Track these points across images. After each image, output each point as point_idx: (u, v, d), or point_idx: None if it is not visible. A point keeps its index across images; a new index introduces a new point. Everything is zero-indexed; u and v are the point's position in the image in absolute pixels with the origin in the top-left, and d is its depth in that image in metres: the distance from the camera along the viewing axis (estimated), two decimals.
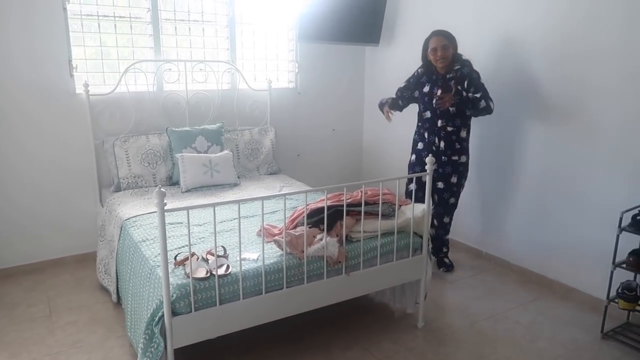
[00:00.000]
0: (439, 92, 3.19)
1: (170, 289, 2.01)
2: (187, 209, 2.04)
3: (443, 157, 3.27)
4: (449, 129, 3.23)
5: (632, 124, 2.77)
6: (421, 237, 2.69)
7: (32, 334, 2.69)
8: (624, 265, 2.61)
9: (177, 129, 3.57)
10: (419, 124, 3.42)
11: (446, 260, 3.58)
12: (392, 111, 3.41)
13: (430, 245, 3.05)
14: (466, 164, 3.34)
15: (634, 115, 2.76)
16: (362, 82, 4.79)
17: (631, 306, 2.59)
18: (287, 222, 2.50)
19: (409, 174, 3.48)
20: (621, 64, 2.79)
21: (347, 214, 2.46)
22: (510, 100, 3.42)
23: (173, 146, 3.51)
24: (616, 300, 2.65)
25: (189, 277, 2.05)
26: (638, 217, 2.59)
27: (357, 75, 4.74)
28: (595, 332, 2.75)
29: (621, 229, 2.60)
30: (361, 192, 2.52)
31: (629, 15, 2.73)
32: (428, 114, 3.29)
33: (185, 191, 3.35)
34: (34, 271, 3.47)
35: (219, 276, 2.11)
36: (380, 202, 2.51)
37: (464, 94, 3.13)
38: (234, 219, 2.75)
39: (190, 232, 2.28)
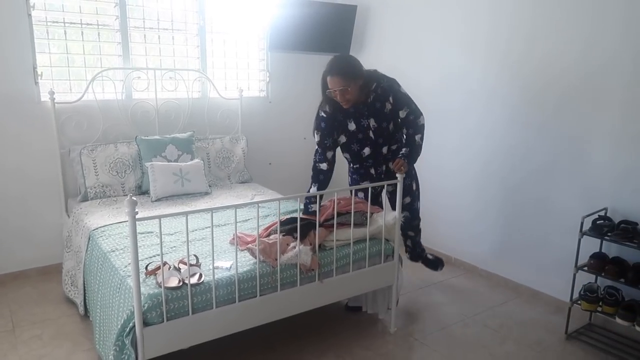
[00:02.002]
0: (385, 147, 2.84)
1: (142, 298, 1.97)
2: (160, 217, 2.02)
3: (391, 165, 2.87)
4: (393, 147, 2.89)
5: (590, 131, 2.90)
6: (393, 243, 2.73)
7: None
8: (586, 268, 2.72)
9: (146, 138, 3.52)
10: (356, 165, 2.95)
11: (430, 256, 3.40)
12: None
13: (412, 252, 3.21)
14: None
15: (591, 122, 2.89)
16: None
17: (593, 307, 2.69)
18: (261, 230, 2.51)
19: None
20: (583, 71, 2.92)
21: (320, 226, 2.48)
22: (476, 106, 3.53)
23: (142, 155, 3.46)
24: (579, 302, 2.74)
25: (160, 286, 2.02)
26: (598, 222, 2.71)
27: None
28: (560, 333, 2.84)
29: (582, 234, 2.71)
30: (333, 200, 2.55)
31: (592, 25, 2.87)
32: (367, 150, 2.85)
33: (156, 200, 3.30)
34: None
35: (192, 285, 2.09)
36: (352, 211, 2.55)
37: (405, 148, 2.76)
38: (206, 227, 2.73)
39: (162, 241, 2.25)
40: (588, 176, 2.93)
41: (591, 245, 2.76)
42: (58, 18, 3.38)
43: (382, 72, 2.80)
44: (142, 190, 3.45)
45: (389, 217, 2.70)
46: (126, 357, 1.96)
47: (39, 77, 3.33)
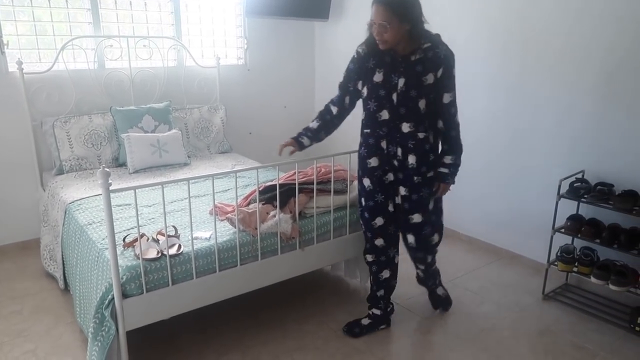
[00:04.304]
0: (407, 124, 2.24)
1: (120, 270, 1.95)
2: (134, 188, 1.98)
3: (415, 178, 2.30)
4: (420, 135, 2.26)
5: (569, 95, 2.90)
6: None
7: None
8: (563, 230, 2.76)
9: (121, 109, 3.43)
10: (368, 130, 2.36)
11: (439, 292, 2.75)
12: (291, 147, 2.41)
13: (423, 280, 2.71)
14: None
15: (570, 86, 2.88)
16: (313, 58, 4.75)
17: (569, 268, 2.75)
18: (240, 200, 2.49)
19: (364, 205, 2.44)
20: (563, 32, 2.90)
21: (300, 192, 2.46)
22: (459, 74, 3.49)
23: (118, 126, 3.37)
24: (556, 263, 2.80)
25: (139, 258, 2.00)
26: (575, 185, 2.74)
27: (307, 51, 4.70)
28: (537, 294, 2.91)
29: (560, 196, 2.74)
30: (313, 169, 2.52)
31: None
32: (385, 114, 2.26)
33: (133, 172, 3.25)
34: None
35: (171, 256, 2.07)
36: (332, 179, 2.53)
37: (452, 155, 2.33)
38: (185, 198, 2.69)
39: (140, 213, 2.23)
40: (566, 140, 2.95)
41: (569, 207, 2.80)
42: None
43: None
44: (119, 163, 3.38)
45: None
46: (106, 329, 1.95)
47: (5, 47, 3.20)
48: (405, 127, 2.25)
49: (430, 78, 2.18)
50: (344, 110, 2.42)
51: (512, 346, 2.44)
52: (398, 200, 2.39)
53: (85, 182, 3.04)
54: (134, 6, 3.67)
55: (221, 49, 4.18)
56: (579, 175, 2.83)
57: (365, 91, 2.30)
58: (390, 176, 2.36)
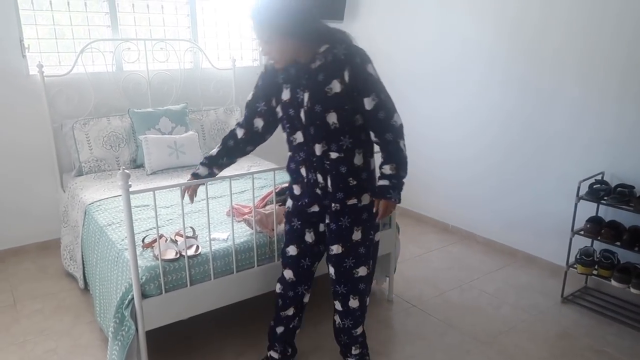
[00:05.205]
0: (319, 144, 1.87)
1: (139, 271, 1.98)
2: (154, 190, 2.01)
3: (333, 205, 1.95)
4: (333, 155, 1.88)
5: (587, 94, 2.86)
6: None
7: None
8: (582, 232, 2.73)
9: (139, 110, 3.47)
10: (289, 154, 2.03)
11: None
12: (192, 191, 2.14)
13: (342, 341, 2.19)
14: (371, 206, 1.97)
15: (588, 85, 2.85)
16: None
17: (589, 270, 2.72)
18: (257, 201, 2.50)
19: (285, 229, 2.14)
20: (582, 32, 2.86)
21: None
22: (473, 70, 3.48)
23: (136, 128, 3.42)
24: (575, 266, 2.77)
25: (157, 259, 2.02)
26: (594, 186, 2.70)
27: None
28: (556, 296, 2.87)
29: (579, 198, 2.71)
30: None
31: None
32: (299, 137, 1.92)
33: (151, 173, 3.28)
34: None
35: (189, 257, 2.09)
36: None
37: (389, 164, 1.87)
38: (202, 199, 2.71)
39: (158, 214, 2.25)
40: (585, 141, 2.92)
41: (588, 209, 2.77)
42: None
43: (355, 41, 1.89)
44: (137, 164, 3.42)
45: None
46: (126, 329, 1.98)
47: (27, 50, 3.26)
48: (318, 149, 1.87)
49: (335, 86, 1.79)
50: (255, 134, 2.07)
51: (530, 349, 2.42)
52: (322, 228, 2.06)
53: (104, 183, 3.08)
54: (151, 9, 3.71)
55: (237, 51, 4.21)
56: (599, 177, 2.79)
57: (279, 111, 1.97)
58: (315, 207, 2.01)
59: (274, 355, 2.25)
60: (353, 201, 1.93)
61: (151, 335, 2.06)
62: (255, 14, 1.76)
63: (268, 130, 2.06)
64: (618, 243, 2.59)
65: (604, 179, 2.80)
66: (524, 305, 2.81)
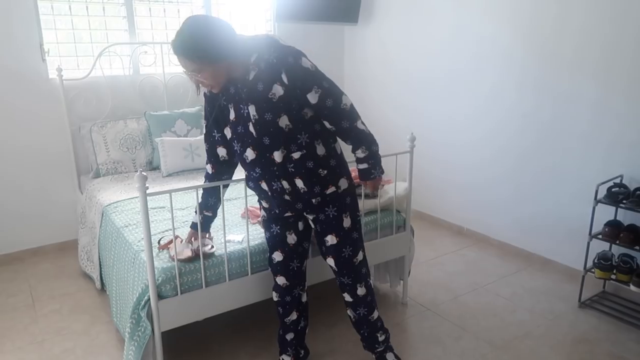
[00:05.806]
0: (277, 151, 1.84)
1: (156, 272, 2.00)
2: (170, 192, 2.03)
3: (314, 200, 1.95)
4: (295, 156, 1.87)
5: (605, 96, 2.83)
6: (404, 214, 2.72)
7: (14, 323, 2.66)
8: (600, 236, 2.69)
9: (155, 113, 3.52)
10: (245, 173, 2.02)
11: (390, 357, 2.24)
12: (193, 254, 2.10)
13: (360, 337, 2.24)
14: (351, 189, 2.03)
15: (606, 87, 2.81)
16: (342, 62, 4.76)
17: (607, 275, 2.68)
18: None
19: (266, 237, 2.15)
20: (598, 35, 2.83)
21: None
22: (488, 72, 3.45)
23: (152, 130, 3.46)
24: (593, 270, 2.73)
25: (173, 260, 2.04)
26: (613, 189, 2.66)
27: (336, 55, 4.71)
28: (573, 301, 2.83)
29: (597, 201, 2.67)
30: None
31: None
32: (250, 153, 1.89)
33: (167, 175, 3.32)
34: (13, 261, 3.41)
35: (205, 255, 2.10)
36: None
37: (360, 149, 1.94)
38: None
39: (174, 215, 2.26)
40: (603, 143, 2.88)
41: (606, 213, 2.73)
42: None
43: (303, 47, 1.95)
44: (153, 166, 3.46)
45: (400, 189, 2.69)
46: (142, 330, 2.00)
47: (46, 54, 3.32)
48: (278, 156, 1.85)
49: (278, 90, 1.79)
50: (224, 163, 2.08)
51: (546, 355, 2.39)
52: (301, 227, 2.09)
53: (121, 185, 3.12)
54: (167, 13, 3.76)
55: None
56: (617, 180, 2.75)
57: (227, 133, 1.96)
58: (288, 213, 2.02)
59: (287, 359, 2.26)
60: (332, 189, 1.95)
61: (166, 336, 2.08)
62: (178, 50, 1.72)
63: (234, 154, 2.03)
64: (637, 247, 2.54)
65: (623, 182, 2.76)
66: (541, 310, 2.78)
